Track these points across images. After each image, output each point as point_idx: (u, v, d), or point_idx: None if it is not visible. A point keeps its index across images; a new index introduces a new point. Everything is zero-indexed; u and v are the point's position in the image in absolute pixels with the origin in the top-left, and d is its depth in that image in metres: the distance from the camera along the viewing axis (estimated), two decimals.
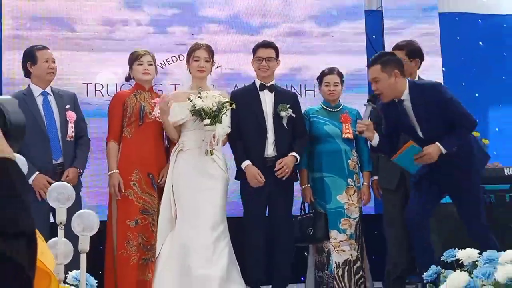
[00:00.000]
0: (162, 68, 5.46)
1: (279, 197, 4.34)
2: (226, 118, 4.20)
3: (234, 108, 4.22)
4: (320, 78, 4.63)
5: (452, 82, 5.85)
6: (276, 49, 4.48)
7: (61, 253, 2.29)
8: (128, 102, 4.26)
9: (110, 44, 5.56)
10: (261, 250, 4.32)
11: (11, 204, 1.18)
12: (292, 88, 5.57)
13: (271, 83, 4.46)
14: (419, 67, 4.50)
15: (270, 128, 4.35)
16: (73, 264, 2.52)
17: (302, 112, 4.54)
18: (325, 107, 4.57)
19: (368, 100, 4.02)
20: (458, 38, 6.32)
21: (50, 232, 3.44)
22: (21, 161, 2.11)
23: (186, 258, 4.04)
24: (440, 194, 4.05)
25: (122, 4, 5.66)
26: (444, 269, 3.16)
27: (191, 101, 4.10)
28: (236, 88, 5.12)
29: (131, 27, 5.65)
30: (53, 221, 3.61)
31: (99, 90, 5.47)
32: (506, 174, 4.60)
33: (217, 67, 5.42)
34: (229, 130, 4.31)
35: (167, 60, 5.62)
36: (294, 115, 4.37)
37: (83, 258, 2.37)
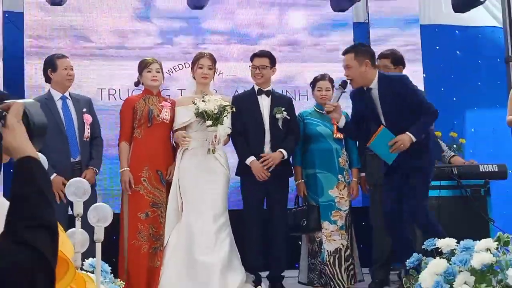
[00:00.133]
0: (170, 74, 5.47)
1: (275, 191, 4.34)
2: (227, 120, 4.21)
3: (234, 111, 4.23)
4: (313, 83, 4.63)
5: (432, 87, 5.87)
6: (270, 58, 4.45)
7: (78, 242, 2.28)
8: (137, 106, 4.26)
9: (122, 53, 5.56)
10: (259, 239, 4.33)
11: (35, 200, 1.18)
12: (287, 93, 5.57)
13: (268, 88, 4.46)
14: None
15: (267, 129, 4.35)
16: (89, 253, 2.52)
17: (297, 114, 4.54)
18: (318, 110, 4.57)
19: (339, 85, 3.98)
20: (437, 47, 6.33)
21: (68, 223, 3.44)
22: (42, 159, 2.11)
23: (191, 246, 4.05)
24: (407, 181, 3.89)
25: (133, 17, 5.66)
26: (425, 257, 3.15)
27: (195, 104, 4.11)
28: (236, 93, 5.12)
29: (142, 38, 5.65)
30: (71, 213, 3.61)
31: (113, 95, 5.47)
32: (481, 170, 4.59)
33: (219, 74, 5.43)
34: (229, 131, 4.31)
35: (174, 68, 5.62)
36: (288, 117, 4.38)
37: (98, 247, 2.36)
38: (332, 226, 4.34)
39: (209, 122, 4.07)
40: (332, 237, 4.32)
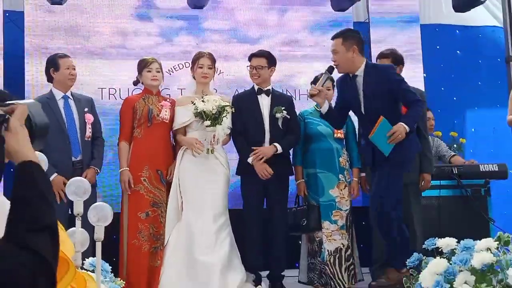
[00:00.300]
0: (170, 74, 5.47)
1: (276, 191, 4.34)
2: (226, 120, 4.20)
3: (234, 111, 4.23)
4: (314, 83, 4.62)
5: (433, 87, 5.87)
6: (268, 58, 4.43)
7: (78, 242, 2.28)
8: (137, 106, 4.26)
9: (123, 52, 5.56)
10: (259, 239, 4.33)
11: (37, 203, 1.19)
12: (288, 92, 5.57)
13: (267, 88, 4.46)
14: (400, 72, 4.50)
15: (267, 128, 4.35)
16: (89, 252, 2.52)
17: (297, 113, 4.53)
18: (318, 109, 4.56)
19: (326, 70, 3.97)
20: (438, 47, 6.33)
21: (68, 222, 3.44)
22: (41, 158, 2.11)
23: (191, 246, 4.05)
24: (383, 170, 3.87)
25: (134, 16, 5.66)
26: (425, 256, 3.16)
27: (194, 104, 4.11)
28: (236, 92, 5.12)
29: (142, 37, 5.65)
30: (71, 212, 3.61)
31: (113, 94, 5.47)
32: (481, 170, 4.60)
33: (219, 73, 5.43)
34: (228, 131, 4.30)
35: (174, 67, 5.62)
36: (289, 117, 4.37)
37: (99, 246, 2.36)
38: (333, 226, 4.33)
39: (208, 122, 4.07)
40: (333, 236, 4.32)
